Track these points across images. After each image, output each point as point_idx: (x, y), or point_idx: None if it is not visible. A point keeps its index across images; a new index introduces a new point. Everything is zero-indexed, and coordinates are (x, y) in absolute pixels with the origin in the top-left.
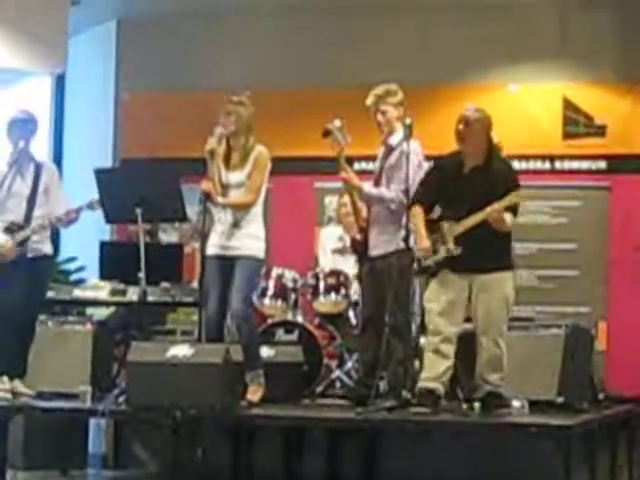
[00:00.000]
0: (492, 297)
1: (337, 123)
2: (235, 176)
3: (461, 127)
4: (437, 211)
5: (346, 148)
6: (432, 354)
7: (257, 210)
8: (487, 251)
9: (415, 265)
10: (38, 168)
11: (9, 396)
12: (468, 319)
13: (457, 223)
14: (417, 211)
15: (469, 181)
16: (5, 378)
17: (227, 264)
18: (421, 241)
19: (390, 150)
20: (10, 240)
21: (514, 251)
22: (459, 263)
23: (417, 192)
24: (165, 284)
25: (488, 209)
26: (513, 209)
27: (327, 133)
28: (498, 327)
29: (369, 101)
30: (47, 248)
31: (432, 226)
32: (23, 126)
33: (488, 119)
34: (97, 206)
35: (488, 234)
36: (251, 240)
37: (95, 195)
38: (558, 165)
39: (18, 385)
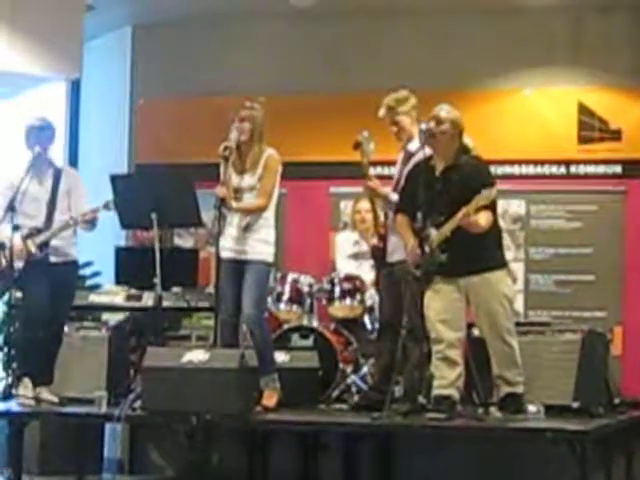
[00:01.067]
0: (489, 297)
1: (365, 134)
2: (246, 180)
3: (432, 125)
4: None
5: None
6: (440, 362)
7: (268, 214)
8: (474, 253)
9: (408, 276)
10: (57, 173)
11: (32, 402)
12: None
13: (437, 230)
14: (401, 220)
15: (442, 182)
16: (27, 380)
17: (239, 268)
18: (408, 241)
19: (409, 156)
20: (29, 241)
21: (529, 255)
22: (449, 269)
23: (399, 202)
24: (177, 289)
25: (459, 215)
26: (491, 206)
27: (358, 145)
28: (502, 325)
29: (381, 113)
30: (74, 253)
31: (416, 235)
32: (39, 133)
33: (460, 120)
34: (112, 206)
35: (472, 236)
36: (261, 245)
37: (110, 196)
38: (573, 170)
39: (43, 391)
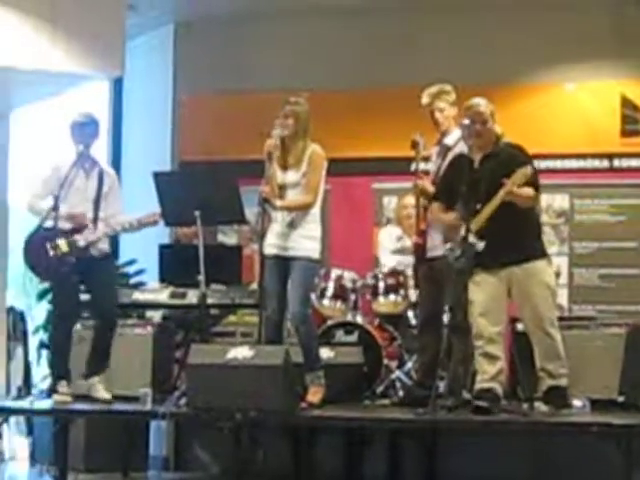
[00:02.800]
0: (531, 287)
1: (419, 135)
2: (291, 176)
3: (478, 126)
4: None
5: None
6: (481, 358)
7: (314, 210)
8: (514, 243)
9: (449, 256)
10: (101, 172)
11: (68, 399)
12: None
13: (474, 219)
14: (437, 206)
15: (480, 171)
16: (64, 382)
17: (284, 264)
18: (445, 218)
19: (447, 150)
20: (77, 236)
21: (574, 250)
22: (489, 260)
23: (435, 191)
24: (221, 286)
25: (500, 192)
26: (533, 184)
27: (415, 144)
28: (545, 316)
29: (425, 100)
30: (107, 247)
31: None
32: (81, 130)
33: (493, 109)
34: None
35: (512, 225)
36: (307, 241)
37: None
38: (617, 163)
39: (97, 388)
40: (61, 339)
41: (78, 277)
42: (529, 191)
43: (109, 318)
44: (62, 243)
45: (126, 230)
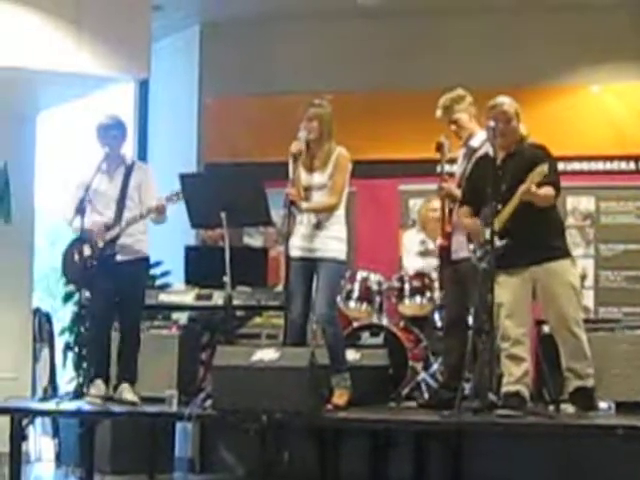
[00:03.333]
0: (555, 287)
1: (443, 137)
2: (317, 178)
3: (501, 125)
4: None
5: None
6: (507, 360)
7: (340, 212)
8: (537, 242)
9: (473, 257)
10: (128, 169)
11: (99, 401)
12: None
13: (495, 218)
14: (464, 212)
15: (502, 170)
16: (99, 382)
17: (310, 266)
18: (471, 222)
19: (473, 152)
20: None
21: (600, 252)
22: (512, 260)
23: (462, 195)
24: (247, 288)
25: (518, 192)
26: (553, 184)
27: (440, 147)
28: (570, 316)
29: (438, 114)
30: (144, 250)
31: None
32: (107, 132)
33: (518, 107)
34: (175, 199)
35: (533, 224)
36: (333, 242)
37: (175, 187)
38: None
39: (125, 391)
40: (96, 341)
41: (109, 279)
42: (547, 190)
43: (133, 326)
44: (85, 247)
45: (136, 221)
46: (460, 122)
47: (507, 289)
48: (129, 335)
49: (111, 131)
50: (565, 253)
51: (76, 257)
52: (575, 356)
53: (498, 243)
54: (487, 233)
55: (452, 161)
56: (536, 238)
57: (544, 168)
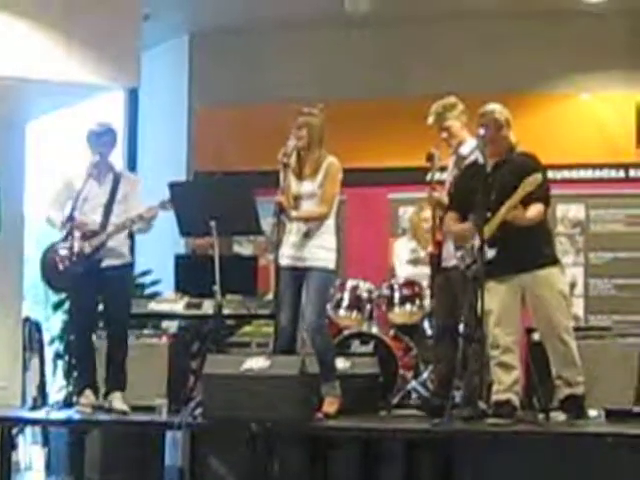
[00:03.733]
0: (544, 294)
1: (434, 147)
2: (306, 186)
3: (492, 132)
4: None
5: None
6: (497, 368)
7: (329, 221)
8: (523, 250)
9: (461, 264)
10: (117, 177)
11: (89, 410)
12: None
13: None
14: (451, 217)
15: (492, 177)
16: (88, 392)
17: (299, 275)
18: (460, 227)
19: (462, 160)
20: (85, 243)
21: (589, 260)
22: (501, 267)
23: (449, 202)
24: (237, 296)
25: (503, 209)
26: (544, 198)
27: (431, 157)
28: (559, 322)
29: (430, 121)
30: (128, 255)
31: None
32: (97, 139)
33: (508, 114)
34: (169, 206)
35: (522, 232)
36: (322, 251)
37: (166, 195)
38: (632, 173)
39: (115, 400)
40: (80, 349)
41: (93, 287)
42: (536, 209)
43: (120, 332)
44: (75, 242)
45: (126, 227)
46: (451, 130)
47: (496, 296)
48: (117, 342)
49: (103, 138)
50: (554, 260)
51: (60, 266)
52: (565, 364)
53: (488, 253)
54: (476, 240)
55: (443, 169)
56: (525, 246)
57: (537, 177)
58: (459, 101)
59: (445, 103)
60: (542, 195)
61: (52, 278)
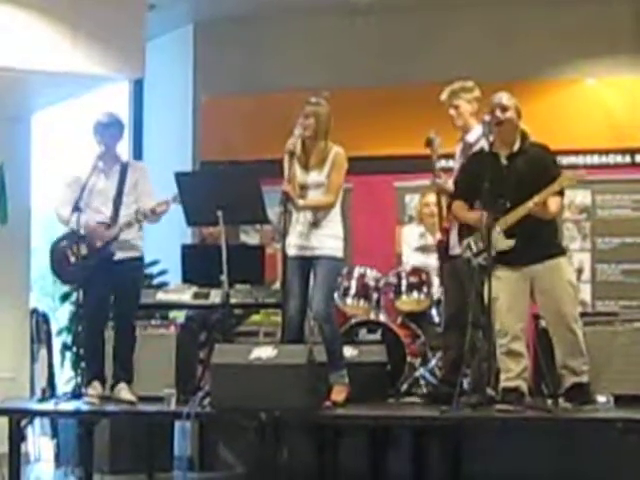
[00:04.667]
0: (554, 283)
1: (433, 132)
2: (313, 177)
3: (498, 113)
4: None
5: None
6: (505, 357)
7: (336, 210)
8: (536, 240)
9: (467, 252)
10: (124, 168)
11: (97, 401)
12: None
13: (502, 217)
14: (459, 205)
15: (508, 168)
16: (96, 383)
17: (307, 264)
18: (471, 216)
19: (469, 147)
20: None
21: (596, 245)
22: (512, 257)
23: (455, 189)
24: (242, 286)
25: (529, 204)
26: (560, 192)
27: (429, 142)
28: (568, 312)
29: (443, 96)
30: (141, 248)
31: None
32: (104, 130)
33: (519, 106)
34: (180, 200)
35: (533, 224)
36: (330, 240)
37: (173, 187)
38: (639, 159)
39: (122, 390)
40: (90, 341)
41: (105, 279)
42: (557, 202)
43: (127, 324)
44: (82, 247)
45: (139, 220)
46: (460, 109)
47: (505, 284)
48: (125, 333)
49: (110, 129)
50: (562, 250)
51: (72, 258)
52: (572, 353)
53: (508, 242)
54: (496, 229)
55: (446, 156)
56: (535, 237)
57: (567, 178)
58: (477, 87)
59: (463, 84)
60: (561, 191)
61: (62, 271)
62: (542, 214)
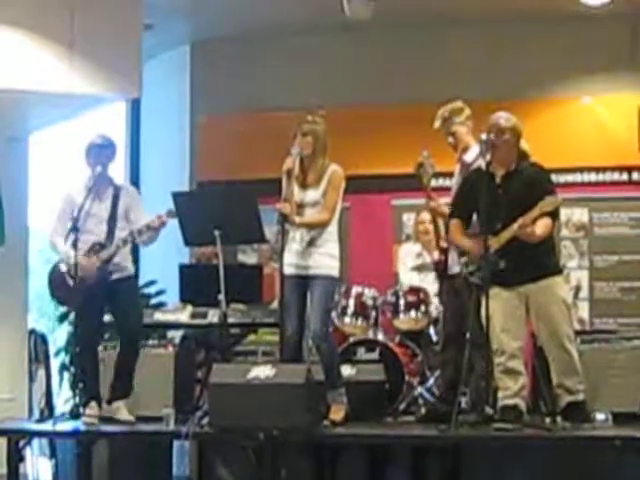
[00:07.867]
0: (549, 303)
1: (425, 153)
2: (310, 195)
3: (493, 136)
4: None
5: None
6: (503, 375)
7: (332, 229)
8: (529, 260)
9: (464, 269)
10: (116, 191)
11: (95, 421)
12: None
13: (494, 237)
14: (455, 225)
15: (502, 188)
16: (94, 403)
17: (303, 283)
18: (465, 244)
19: (467, 167)
20: (93, 257)
21: (594, 263)
22: (506, 277)
23: (452, 208)
24: (239, 305)
25: (515, 226)
26: (552, 213)
27: (420, 166)
28: (562, 331)
29: (436, 124)
30: (131, 268)
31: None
32: (100, 152)
33: (519, 126)
34: (174, 214)
35: (525, 243)
36: (326, 259)
37: (171, 205)
38: (635, 176)
39: (119, 410)
40: (87, 362)
41: (101, 300)
42: (540, 229)
43: (134, 339)
44: (79, 269)
45: (134, 238)
46: (457, 135)
47: (499, 304)
48: (130, 351)
49: (105, 151)
50: (556, 269)
51: (71, 282)
52: (566, 372)
53: (500, 263)
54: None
55: (443, 175)
56: (529, 256)
57: (557, 200)
58: (466, 106)
59: (452, 107)
60: (554, 212)
61: (63, 296)
62: (527, 237)
